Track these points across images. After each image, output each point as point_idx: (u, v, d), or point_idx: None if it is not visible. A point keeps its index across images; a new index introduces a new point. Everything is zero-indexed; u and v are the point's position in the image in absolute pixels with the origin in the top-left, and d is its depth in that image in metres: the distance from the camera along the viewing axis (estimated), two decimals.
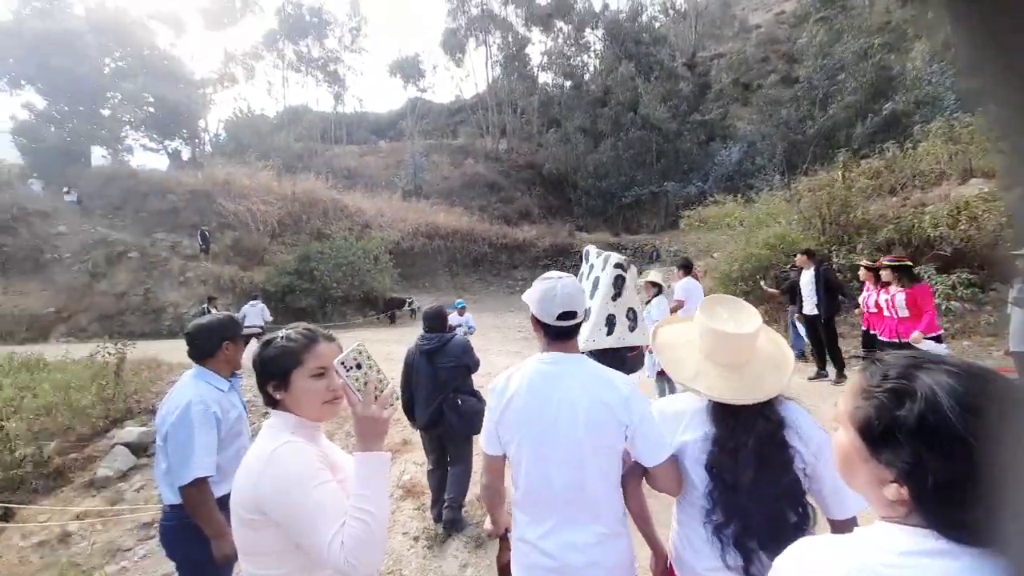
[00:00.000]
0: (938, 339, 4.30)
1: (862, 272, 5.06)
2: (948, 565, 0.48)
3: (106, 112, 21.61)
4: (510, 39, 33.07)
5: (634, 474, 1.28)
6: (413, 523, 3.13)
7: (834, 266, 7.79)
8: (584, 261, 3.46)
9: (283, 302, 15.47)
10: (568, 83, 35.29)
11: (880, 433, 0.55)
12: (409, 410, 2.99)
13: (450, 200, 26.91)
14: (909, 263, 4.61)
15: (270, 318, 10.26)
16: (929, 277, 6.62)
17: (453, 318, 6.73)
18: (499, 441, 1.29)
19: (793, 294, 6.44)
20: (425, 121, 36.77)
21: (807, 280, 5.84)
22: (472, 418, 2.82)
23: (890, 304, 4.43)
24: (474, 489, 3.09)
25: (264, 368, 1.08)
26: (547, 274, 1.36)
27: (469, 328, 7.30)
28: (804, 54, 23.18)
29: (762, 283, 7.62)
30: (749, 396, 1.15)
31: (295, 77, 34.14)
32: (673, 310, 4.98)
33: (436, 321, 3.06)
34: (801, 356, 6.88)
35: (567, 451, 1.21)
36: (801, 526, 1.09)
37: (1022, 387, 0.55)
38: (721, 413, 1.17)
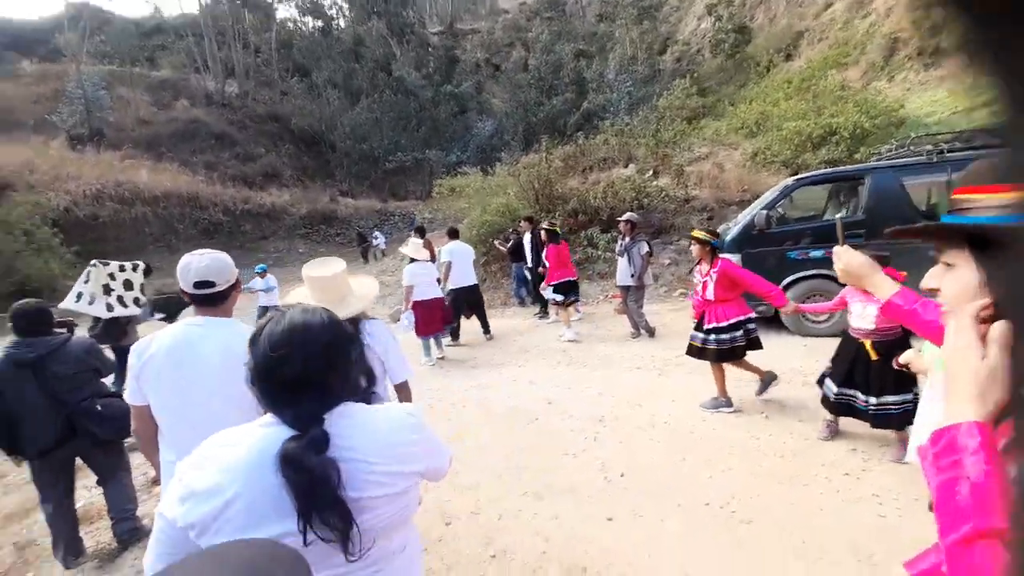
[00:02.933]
0: (570, 284, 5.87)
1: (543, 234, 6.42)
2: (269, 431, 0.78)
3: None
4: None
5: None
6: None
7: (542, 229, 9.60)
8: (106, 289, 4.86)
9: None
10: (318, 24, 30.91)
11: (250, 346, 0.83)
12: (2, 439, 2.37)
13: (155, 152, 20.66)
14: (555, 228, 6.19)
15: None
16: (594, 235, 9.01)
17: (255, 282, 7.83)
18: (140, 392, 1.56)
19: (519, 252, 7.73)
20: (99, 39, 26.35)
21: (528, 240, 7.18)
22: (122, 419, 2.45)
23: (546, 257, 6.08)
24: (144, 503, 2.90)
25: None
26: (196, 251, 1.61)
27: (270, 289, 7.97)
28: (534, 47, 26.69)
29: (496, 244, 8.77)
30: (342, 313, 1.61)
31: None
32: (445, 272, 5.79)
33: (36, 320, 2.44)
34: (521, 303, 8.37)
35: (203, 397, 1.52)
36: (370, 388, 1.57)
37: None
38: None
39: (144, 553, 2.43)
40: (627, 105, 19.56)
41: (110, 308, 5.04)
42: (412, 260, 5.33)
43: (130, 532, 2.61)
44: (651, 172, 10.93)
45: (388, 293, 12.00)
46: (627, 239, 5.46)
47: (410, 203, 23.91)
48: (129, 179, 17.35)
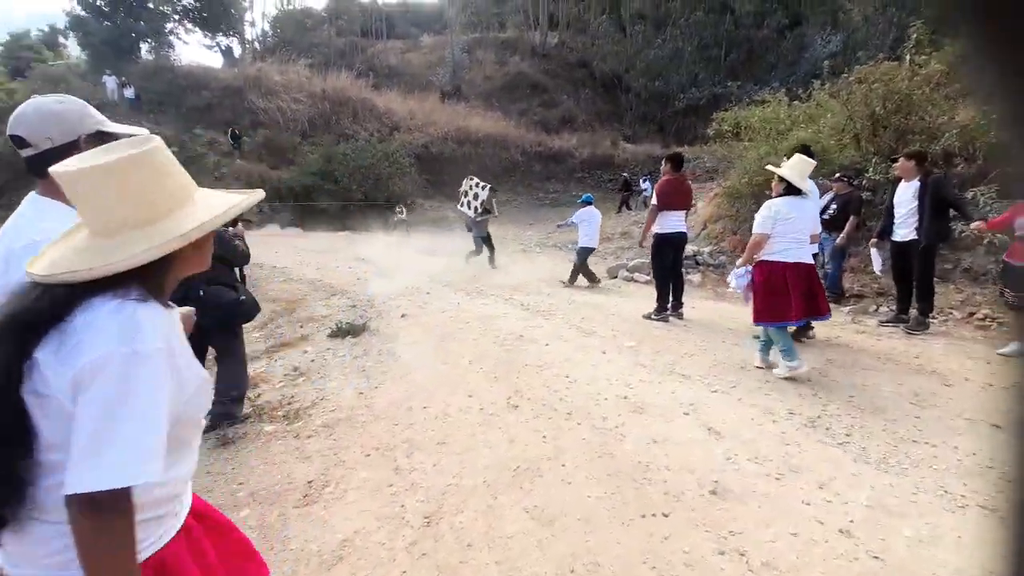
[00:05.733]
0: None
1: None
2: None
3: (151, 5, 21.85)
4: None
5: None
6: None
7: (864, 182, 6.17)
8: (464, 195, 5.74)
9: (309, 199, 16.00)
10: None
11: None
12: None
13: (489, 103, 25.12)
14: None
15: None
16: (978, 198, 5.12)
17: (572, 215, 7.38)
18: None
19: (856, 213, 5.11)
20: (470, 11, 33.31)
21: (908, 195, 4.30)
22: (222, 308, 2.65)
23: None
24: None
25: None
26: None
27: (569, 223, 7.60)
28: None
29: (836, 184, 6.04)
30: (40, 272, 0.75)
31: None
32: None
33: None
34: (838, 295, 5.37)
35: None
36: (24, 482, 0.71)
37: None
38: None
39: (226, 436, 2.56)
40: None
41: (462, 206, 8.22)
42: (787, 191, 3.27)
43: (218, 416, 2.71)
44: None
45: (628, 246, 10.95)
46: None
47: (697, 149, 21.04)
48: (466, 124, 21.98)
